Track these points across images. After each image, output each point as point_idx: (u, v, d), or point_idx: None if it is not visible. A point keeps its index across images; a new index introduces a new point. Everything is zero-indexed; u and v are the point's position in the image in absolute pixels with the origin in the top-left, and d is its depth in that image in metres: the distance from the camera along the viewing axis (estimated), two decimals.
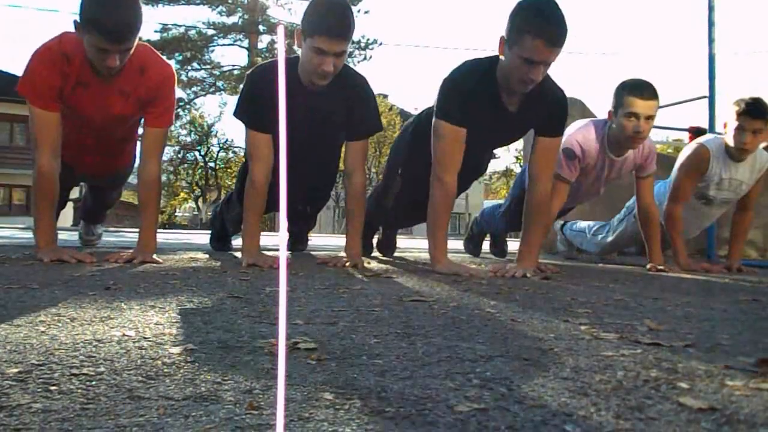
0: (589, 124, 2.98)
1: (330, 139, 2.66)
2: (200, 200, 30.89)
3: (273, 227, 16.69)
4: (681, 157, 3.31)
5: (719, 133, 3.40)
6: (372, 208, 2.61)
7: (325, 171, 2.86)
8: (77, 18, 2.10)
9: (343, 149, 2.64)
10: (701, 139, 3.26)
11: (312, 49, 2.23)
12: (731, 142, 3.07)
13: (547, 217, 2.59)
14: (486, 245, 3.99)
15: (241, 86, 2.56)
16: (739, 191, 3.23)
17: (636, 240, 3.50)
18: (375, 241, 3.50)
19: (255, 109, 2.42)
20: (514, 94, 2.36)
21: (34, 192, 2.29)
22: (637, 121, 2.73)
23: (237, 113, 2.51)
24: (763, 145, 3.19)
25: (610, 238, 3.65)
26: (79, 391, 0.67)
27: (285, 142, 0.42)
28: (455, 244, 4.56)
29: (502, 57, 2.29)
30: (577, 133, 2.94)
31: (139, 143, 2.93)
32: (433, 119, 2.39)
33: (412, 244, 5.63)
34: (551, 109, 2.44)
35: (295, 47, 2.37)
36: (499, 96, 2.38)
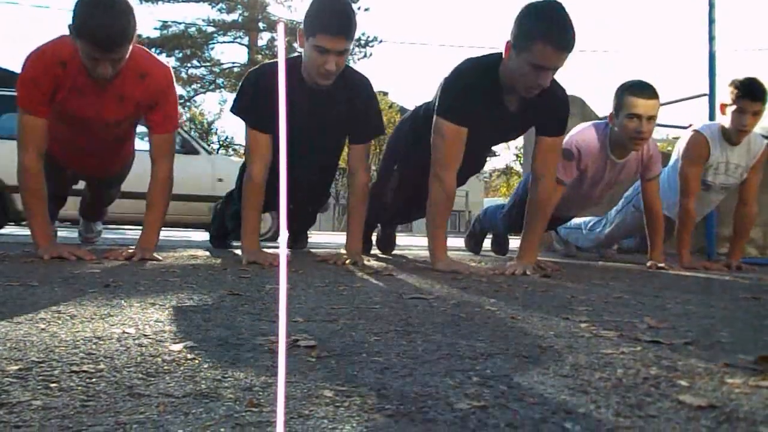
0: (590, 126, 2.97)
1: (331, 140, 2.66)
2: None
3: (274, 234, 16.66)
4: (679, 148, 3.31)
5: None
6: (370, 203, 2.61)
7: (325, 170, 2.86)
8: (71, 23, 2.09)
9: (346, 149, 2.64)
10: (696, 127, 3.26)
11: (314, 47, 2.23)
12: (730, 125, 3.07)
13: (548, 217, 2.58)
14: (487, 243, 4.00)
15: (241, 83, 2.56)
16: (735, 175, 3.24)
17: (634, 231, 3.50)
18: (374, 238, 3.50)
19: (256, 108, 2.42)
20: (516, 93, 2.36)
21: (22, 192, 2.27)
22: (639, 122, 2.71)
23: (236, 110, 2.50)
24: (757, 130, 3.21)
25: (608, 230, 3.65)
26: (80, 388, 0.67)
27: (285, 141, 0.42)
28: (455, 242, 4.56)
29: (506, 59, 2.27)
30: (577, 134, 2.93)
31: (137, 141, 2.93)
32: (434, 117, 2.38)
33: (412, 242, 5.63)
34: (552, 109, 2.43)
35: (297, 46, 2.37)
36: (501, 95, 2.37)
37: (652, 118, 2.74)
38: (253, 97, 2.43)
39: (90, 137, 2.50)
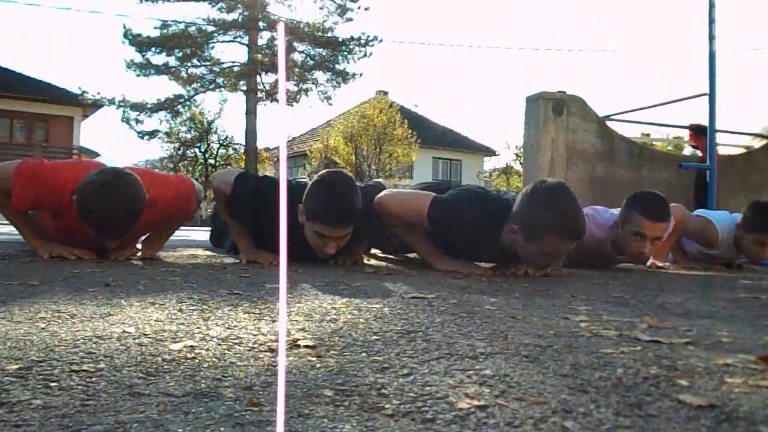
0: (603, 223, 2.77)
1: None
2: None
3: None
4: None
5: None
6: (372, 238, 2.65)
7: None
8: (76, 198, 2.00)
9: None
10: (716, 221, 3.07)
11: (314, 232, 2.16)
12: (745, 248, 2.98)
13: None
14: None
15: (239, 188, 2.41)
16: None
17: None
18: None
19: (242, 210, 2.40)
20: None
21: (12, 222, 2.27)
22: (643, 242, 2.59)
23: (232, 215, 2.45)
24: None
25: None
26: (80, 387, 0.67)
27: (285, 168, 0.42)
28: None
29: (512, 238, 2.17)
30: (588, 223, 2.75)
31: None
32: (428, 209, 2.24)
33: None
34: None
35: (299, 221, 2.23)
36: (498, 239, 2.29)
37: (657, 239, 2.63)
38: (241, 203, 2.38)
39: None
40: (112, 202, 1.92)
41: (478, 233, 2.25)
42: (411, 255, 2.96)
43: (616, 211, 2.76)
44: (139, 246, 2.42)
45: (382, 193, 2.35)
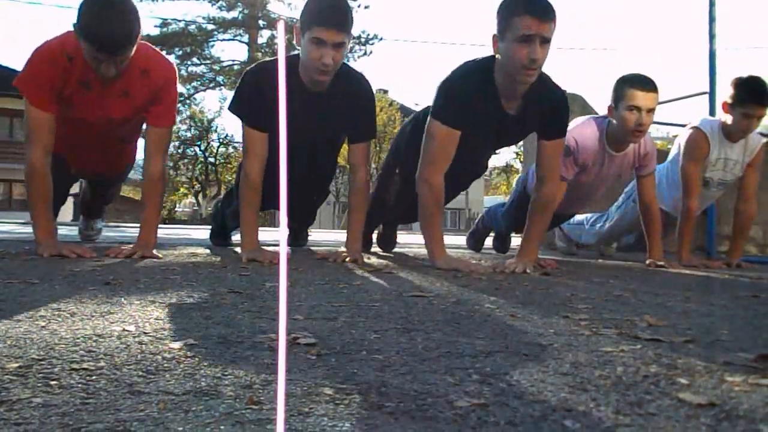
0: (588, 121, 2.97)
1: (330, 139, 2.66)
2: (200, 195, 30.89)
3: (273, 222, 16.69)
4: (679, 145, 3.31)
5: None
6: (371, 206, 2.61)
7: (324, 169, 2.86)
8: (75, 23, 2.08)
9: (345, 147, 2.64)
10: (696, 123, 3.26)
11: (311, 40, 2.22)
12: (733, 125, 3.07)
13: (550, 216, 2.59)
14: (488, 241, 4.00)
15: (239, 81, 2.56)
16: (734, 171, 3.25)
17: (634, 226, 3.50)
18: (375, 236, 3.50)
19: (253, 107, 2.42)
20: (514, 96, 2.35)
21: (28, 189, 2.28)
22: (639, 114, 2.72)
23: (233, 108, 2.50)
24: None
25: (608, 225, 3.65)
26: (80, 385, 0.67)
27: (285, 140, 0.42)
28: (456, 240, 4.56)
29: (498, 56, 2.28)
30: (574, 129, 2.93)
31: (141, 141, 2.93)
32: (428, 119, 2.38)
33: (412, 240, 5.63)
34: (552, 110, 2.41)
35: (295, 44, 2.36)
36: (498, 98, 2.37)
37: (651, 111, 2.75)
38: (250, 96, 2.43)
39: (95, 137, 2.50)
40: (109, 5, 2.04)
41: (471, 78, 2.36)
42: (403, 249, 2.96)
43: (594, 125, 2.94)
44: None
45: (420, 171, 2.38)
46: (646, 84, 2.75)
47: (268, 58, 2.70)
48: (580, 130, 2.91)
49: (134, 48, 2.15)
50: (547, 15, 2.15)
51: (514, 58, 2.19)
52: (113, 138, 2.56)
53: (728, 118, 3.09)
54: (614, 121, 2.83)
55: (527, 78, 2.24)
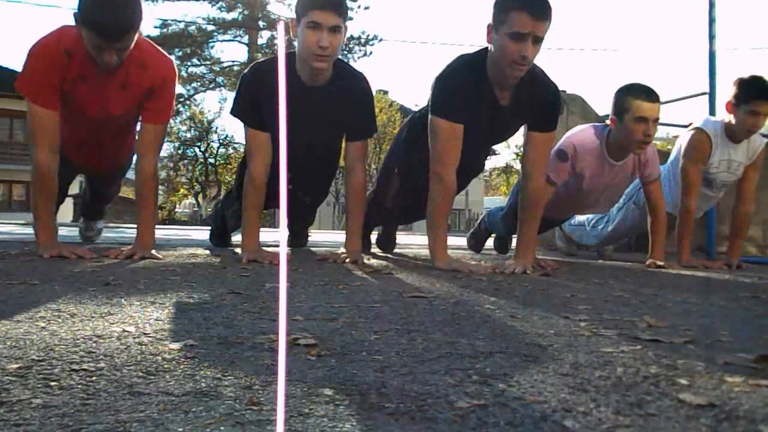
0: (588, 128, 2.95)
1: (329, 137, 2.66)
2: (200, 196, 30.89)
3: (273, 224, 16.69)
4: (680, 146, 3.31)
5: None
6: (371, 207, 2.61)
7: (324, 167, 2.86)
8: (76, 12, 2.09)
9: (343, 146, 2.64)
10: (698, 124, 3.26)
11: (307, 26, 2.24)
12: (737, 124, 3.07)
13: (540, 213, 2.57)
14: (489, 242, 4.00)
15: (238, 83, 2.56)
16: (737, 172, 3.25)
17: (636, 228, 3.50)
18: (374, 237, 3.50)
19: (253, 108, 2.42)
20: (506, 87, 2.35)
21: (33, 189, 2.29)
22: (647, 125, 2.69)
23: (234, 112, 2.51)
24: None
25: (610, 228, 3.64)
26: (80, 386, 0.67)
27: (285, 140, 0.42)
28: (456, 241, 4.56)
29: (490, 46, 2.28)
30: (573, 135, 2.93)
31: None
32: (429, 117, 2.38)
33: (412, 240, 5.63)
34: (543, 102, 2.42)
35: (293, 37, 2.37)
36: (491, 89, 2.37)
37: (657, 121, 2.74)
38: (249, 98, 2.44)
39: (94, 130, 2.50)
40: None
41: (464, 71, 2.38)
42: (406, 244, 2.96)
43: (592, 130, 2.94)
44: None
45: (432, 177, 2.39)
46: (650, 95, 2.72)
47: (263, 58, 2.70)
48: (580, 137, 2.89)
49: (136, 35, 2.16)
50: (544, 14, 2.16)
51: (505, 52, 2.20)
52: (111, 131, 2.56)
53: (732, 118, 3.09)
54: (616, 131, 2.79)
55: (516, 72, 2.26)
